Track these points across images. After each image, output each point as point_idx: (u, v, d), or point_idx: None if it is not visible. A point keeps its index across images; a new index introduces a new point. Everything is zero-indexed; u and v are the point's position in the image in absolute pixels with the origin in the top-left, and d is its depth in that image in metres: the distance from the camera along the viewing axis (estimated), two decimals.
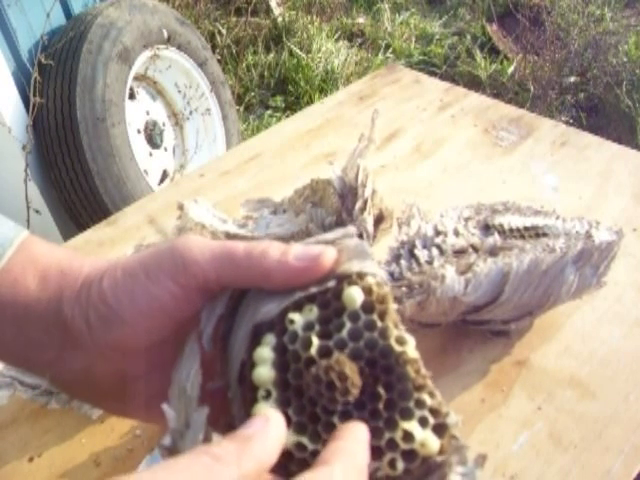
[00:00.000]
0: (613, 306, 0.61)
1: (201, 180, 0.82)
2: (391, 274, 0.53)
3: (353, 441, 0.25)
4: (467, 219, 0.59)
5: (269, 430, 0.24)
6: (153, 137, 1.72)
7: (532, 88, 2.29)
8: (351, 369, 0.26)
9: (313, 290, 0.28)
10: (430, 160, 0.83)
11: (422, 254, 0.54)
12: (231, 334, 0.30)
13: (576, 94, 2.29)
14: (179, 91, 1.80)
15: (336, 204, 0.51)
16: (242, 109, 2.32)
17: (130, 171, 1.48)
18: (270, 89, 2.45)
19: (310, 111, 0.97)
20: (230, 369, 0.29)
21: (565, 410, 0.52)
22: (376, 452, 0.26)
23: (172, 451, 0.26)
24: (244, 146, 0.90)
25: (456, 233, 0.57)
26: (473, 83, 2.38)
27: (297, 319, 0.27)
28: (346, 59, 2.48)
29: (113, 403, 0.34)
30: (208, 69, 1.81)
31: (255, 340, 0.28)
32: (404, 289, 0.51)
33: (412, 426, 0.26)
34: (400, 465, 0.26)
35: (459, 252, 0.55)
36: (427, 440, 0.26)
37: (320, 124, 0.92)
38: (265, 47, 2.59)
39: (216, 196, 0.78)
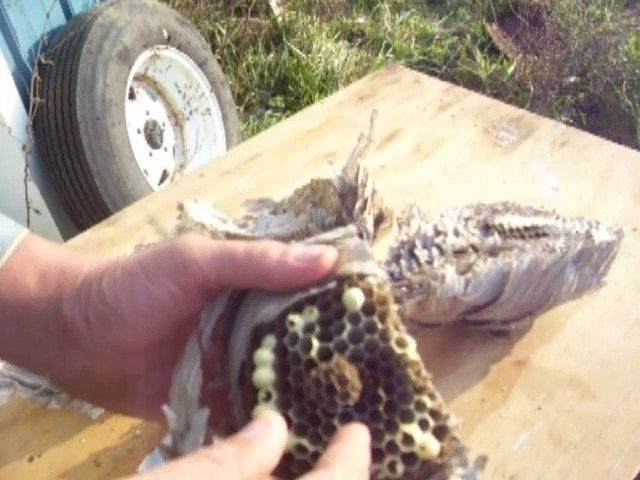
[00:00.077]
0: (613, 306, 0.61)
1: (201, 180, 0.82)
2: (391, 274, 0.53)
3: (354, 443, 0.25)
4: (467, 219, 0.59)
5: (270, 433, 0.24)
6: (153, 137, 1.72)
7: (532, 88, 2.29)
8: (351, 372, 0.26)
9: (313, 291, 0.28)
10: (430, 160, 0.83)
11: (422, 254, 0.54)
12: (231, 334, 0.30)
13: (576, 94, 2.29)
14: (179, 91, 1.80)
15: (336, 204, 0.51)
16: (242, 109, 2.32)
17: (130, 171, 1.48)
18: (270, 89, 2.45)
19: (310, 111, 0.97)
20: (230, 370, 0.29)
21: (565, 410, 0.52)
22: (376, 454, 0.26)
23: (172, 452, 0.26)
24: (244, 146, 0.90)
25: (456, 233, 0.56)
26: (473, 83, 2.38)
27: (297, 321, 0.27)
28: (346, 59, 2.48)
29: (113, 402, 0.34)
30: (208, 69, 1.81)
31: (255, 341, 0.28)
32: (404, 289, 0.51)
33: (412, 429, 0.26)
34: (400, 468, 0.26)
35: (459, 252, 0.55)
36: (427, 443, 0.26)
37: (320, 124, 0.92)
38: (265, 47, 2.59)
39: (216, 196, 0.78)
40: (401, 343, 0.27)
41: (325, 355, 0.27)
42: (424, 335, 0.57)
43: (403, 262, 0.54)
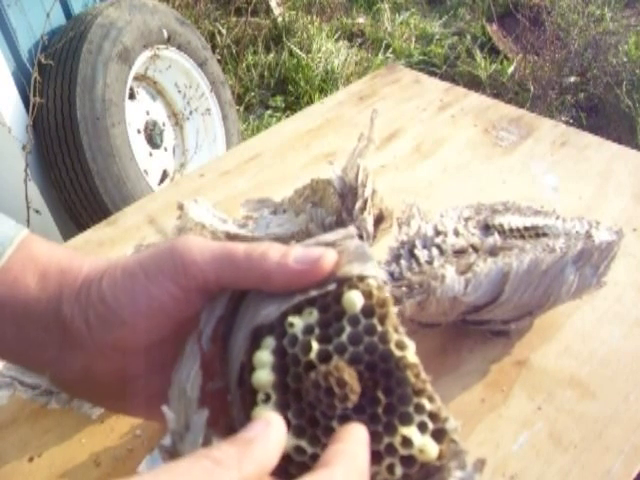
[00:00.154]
0: (613, 306, 0.61)
1: (201, 180, 0.82)
2: (391, 274, 0.53)
3: (353, 443, 0.25)
4: (467, 219, 0.59)
5: (270, 433, 0.24)
6: (153, 137, 1.72)
7: (532, 88, 2.29)
8: (350, 375, 0.26)
9: (313, 293, 0.28)
10: (430, 160, 0.83)
11: (422, 254, 0.54)
12: (231, 335, 0.30)
13: (576, 94, 2.29)
14: (179, 91, 1.80)
15: (336, 204, 0.51)
16: (242, 109, 2.32)
17: (130, 171, 1.48)
18: (270, 89, 2.45)
19: (310, 111, 0.97)
20: (230, 371, 0.29)
21: (565, 410, 0.52)
22: (375, 457, 0.26)
23: (172, 452, 0.26)
24: (244, 146, 0.90)
25: (456, 233, 0.57)
26: (473, 83, 2.38)
27: (297, 322, 0.27)
28: (346, 59, 2.48)
29: (113, 402, 0.34)
30: (208, 69, 1.81)
31: (255, 343, 0.28)
32: (404, 289, 0.51)
33: (411, 432, 0.26)
34: (399, 470, 0.26)
35: (459, 252, 0.55)
36: (426, 446, 0.26)
37: (320, 124, 0.92)
38: (265, 47, 2.59)
39: (216, 196, 0.78)
40: (400, 346, 0.27)
41: (324, 357, 0.27)
42: (424, 335, 0.57)
43: (403, 262, 0.54)
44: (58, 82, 1.43)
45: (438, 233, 0.56)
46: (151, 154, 1.72)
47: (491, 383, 0.55)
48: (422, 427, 0.26)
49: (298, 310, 0.28)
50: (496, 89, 2.37)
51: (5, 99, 1.39)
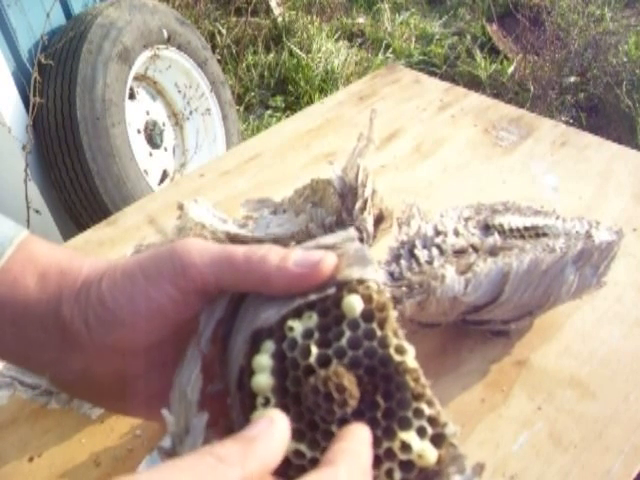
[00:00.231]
0: (613, 306, 0.61)
1: (201, 180, 0.82)
2: (391, 274, 0.53)
3: (357, 442, 0.25)
4: (467, 219, 0.59)
5: (273, 432, 0.24)
6: (153, 137, 1.72)
7: (532, 88, 2.29)
8: (349, 380, 0.26)
9: (313, 297, 0.27)
10: (430, 160, 0.83)
11: (422, 254, 0.54)
12: (230, 338, 0.29)
13: (576, 94, 2.29)
14: (179, 91, 1.80)
15: (336, 204, 0.51)
16: (242, 109, 2.32)
17: (130, 171, 1.48)
18: (270, 89, 2.45)
19: (310, 111, 0.97)
20: (229, 374, 0.29)
21: (565, 410, 0.52)
22: (374, 461, 0.26)
23: (171, 454, 0.26)
24: (244, 146, 0.90)
25: (456, 233, 0.57)
26: (473, 83, 2.38)
27: (296, 326, 0.27)
28: (346, 59, 2.48)
29: (113, 402, 0.34)
30: (208, 69, 1.81)
31: (254, 346, 0.28)
32: (404, 289, 0.51)
33: (410, 436, 0.26)
34: (397, 475, 0.26)
35: (459, 252, 0.55)
36: (425, 451, 0.26)
37: (320, 124, 0.92)
38: (265, 47, 2.59)
39: (216, 196, 0.78)
40: (400, 350, 0.27)
41: (324, 361, 0.27)
42: (424, 335, 0.57)
43: (403, 262, 0.54)
44: (58, 82, 1.43)
45: (438, 233, 0.56)
46: (151, 154, 1.72)
47: (491, 383, 0.55)
48: (421, 432, 0.26)
49: (298, 314, 0.28)
50: (496, 89, 2.37)
51: (5, 99, 1.39)
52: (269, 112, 2.34)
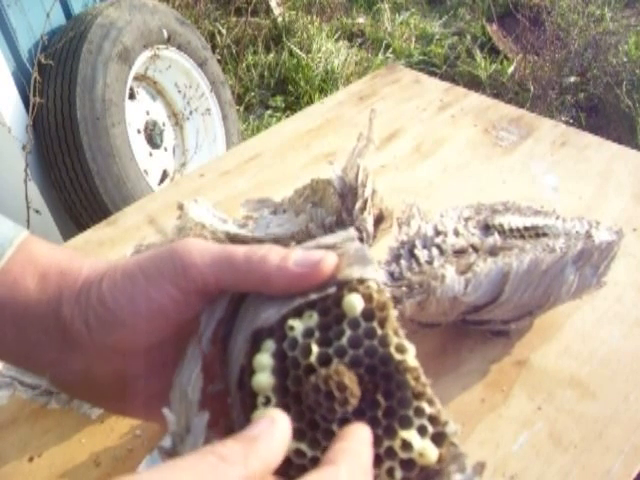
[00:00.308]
0: (613, 306, 0.61)
1: (201, 180, 0.82)
2: (391, 274, 0.53)
3: (357, 441, 0.25)
4: (467, 219, 0.59)
5: (275, 431, 0.24)
6: (153, 137, 1.72)
7: (532, 88, 2.29)
8: (350, 379, 0.26)
9: (313, 296, 0.28)
10: (430, 160, 0.83)
11: (422, 254, 0.54)
12: (231, 338, 0.30)
13: (576, 94, 2.29)
14: (179, 91, 1.80)
15: (336, 204, 0.51)
16: (242, 109, 2.32)
17: (130, 171, 1.48)
18: (270, 89, 2.45)
19: (310, 111, 0.97)
20: (230, 374, 0.29)
21: (565, 410, 0.52)
22: (375, 460, 0.26)
23: (172, 454, 0.26)
24: (244, 146, 0.90)
25: (456, 233, 0.57)
26: (473, 83, 2.38)
27: (297, 325, 0.27)
28: (346, 59, 2.48)
29: (113, 403, 0.34)
30: (208, 69, 1.81)
31: (255, 346, 0.28)
32: (404, 289, 0.51)
33: (411, 435, 0.26)
34: (398, 474, 0.26)
35: (459, 252, 0.55)
36: (425, 450, 0.26)
37: (320, 124, 0.92)
38: (265, 47, 2.59)
39: (216, 196, 0.78)
40: (400, 349, 0.27)
41: (324, 360, 0.27)
42: (424, 335, 0.57)
43: (403, 262, 0.54)
44: (58, 82, 1.43)
45: (438, 233, 0.56)
46: (151, 154, 1.72)
47: (491, 383, 0.55)
48: (422, 430, 0.26)
49: (298, 313, 0.28)
50: (496, 89, 2.37)
51: (5, 99, 1.39)
52: (269, 112, 2.34)
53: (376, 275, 0.28)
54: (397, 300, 0.51)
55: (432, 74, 2.04)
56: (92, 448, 0.52)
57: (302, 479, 0.23)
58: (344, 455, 0.24)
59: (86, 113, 1.41)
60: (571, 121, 2.17)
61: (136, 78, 1.66)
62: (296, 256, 0.28)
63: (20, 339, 0.31)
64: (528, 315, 0.55)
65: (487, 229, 0.58)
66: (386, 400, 0.26)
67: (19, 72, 1.45)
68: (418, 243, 0.55)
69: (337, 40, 2.65)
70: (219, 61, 2.15)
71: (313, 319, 0.27)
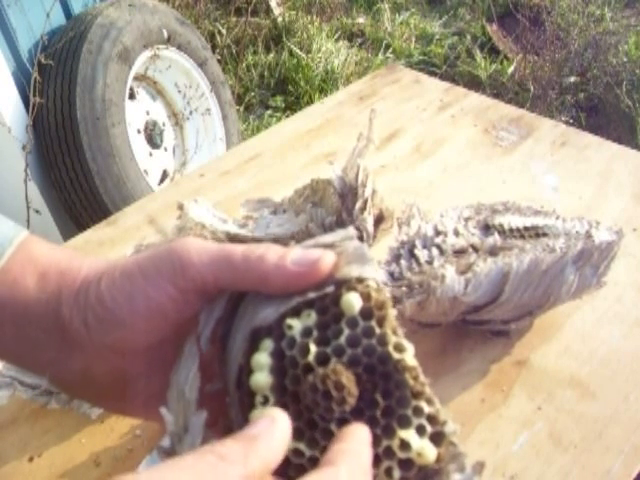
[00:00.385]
0: (613, 306, 0.61)
1: (201, 180, 0.82)
2: (391, 274, 0.53)
3: (357, 442, 0.25)
4: (467, 219, 0.59)
5: (274, 431, 0.24)
6: (153, 137, 1.72)
7: (532, 88, 2.29)
8: (348, 378, 0.26)
9: (311, 295, 0.27)
10: (430, 160, 0.83)
11: (422, 254, 0.54)
12: (229, 337, 0.29)
13: (576, 94, 2.29)
14: (179, 91, 1.80)
15: (336, 204, 0.51)
16: (242, 109, 2.32)
17: (130, 171, 1.48)
18: (270, 89, 2.45)
19: (310, 111, 0.97)
20: (228, 373, 0.29)
21: (565, 410, 0.52)
22: (373, 459, 0.26)
23: (170, 454, 0.26)
24: (244, 146, 0.90)
25: (456, 233, 0.57)
26: (473, 83, 2.38)
27: (295, 325, 0.27)
28: (346, 59, 2.48)
29: (113, 402, 0.34)
30: (208, 69, 1.81)
31: (253, 345, 0.28)
32: (404, 289, 0.51)
33: (409, 435, 0.26)
34: (397, 474, 0.26)
35: (459, 252, 0.55)
36: (424, 450, 0.26)
37: (320, 124, 0.92)
38: (265, 47, 2.59)
39: (216, 196, 0.78)
40: (399, 348, 0.27)
41: (323, 359, 0.27)
42: (424, 335, 0.57)
43: (403, 262, 0.54)
44: (58, 82, 1.43)
45: (438, 233, 0.56)
46: (151, 154, 1.72)
47: (491, 383, 0.55)
48: (420, 430, 0.26)
49: (296, 312, 0.28)
50: (496, 89, 2.37)
51: (5, 99, 1.39)
52: (269, 112, 2.34)
53: (375, 274, 0.28)
54: (397, 300, 0.51)
55: (432, 74, 2.04)
56: (92, 448, 0.52)
57: (303, 479, 0.23)
58: (344, 456, 0.24)
59: (86, 113, 1.41)
60: (571, 121, 2.17)
61: (136, 78, 1.66)
62: (294, 255, 0.28)
63: (19, 338, 0.31)
64: (528, 315, 0.55)
65: (487, 229, 0.58)
66: (385, 399, 0.26)
67: (19, 72, 1.45)
68: (418, 243, 0.55)
69: (337, 40, 2.65)
70: (219, 61, 2.15)
71: (311, 318, 0.27)
